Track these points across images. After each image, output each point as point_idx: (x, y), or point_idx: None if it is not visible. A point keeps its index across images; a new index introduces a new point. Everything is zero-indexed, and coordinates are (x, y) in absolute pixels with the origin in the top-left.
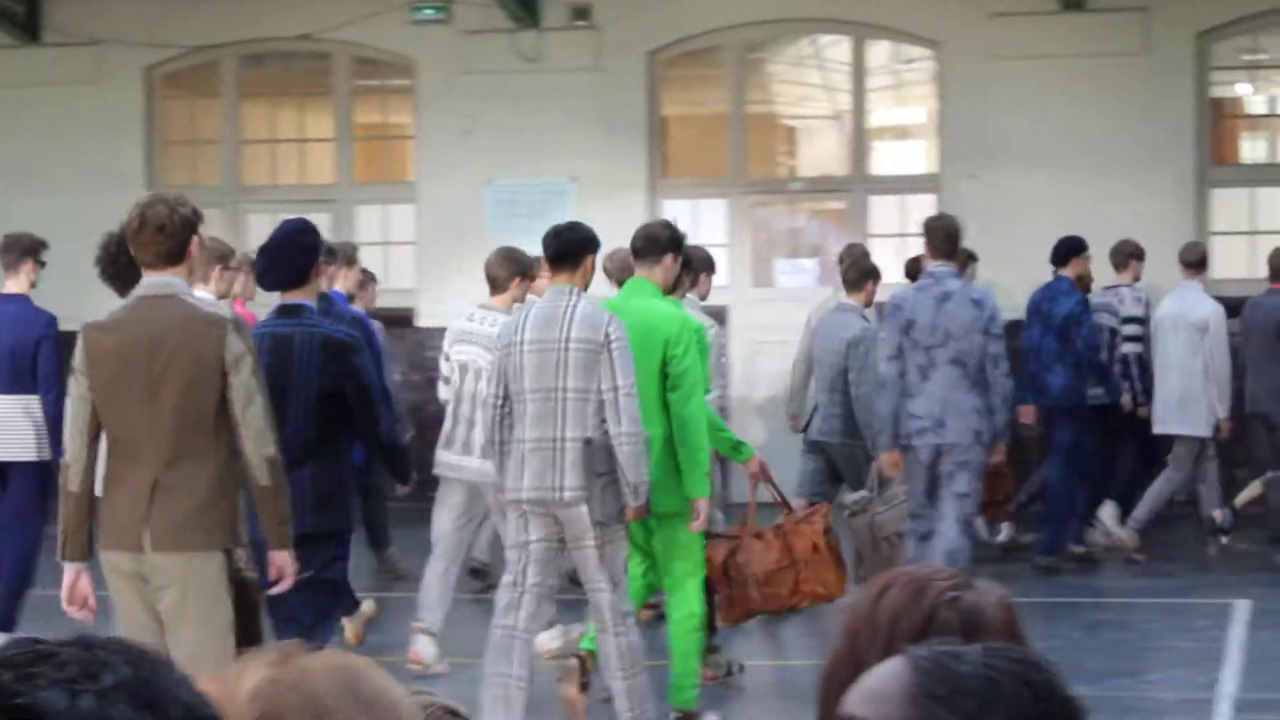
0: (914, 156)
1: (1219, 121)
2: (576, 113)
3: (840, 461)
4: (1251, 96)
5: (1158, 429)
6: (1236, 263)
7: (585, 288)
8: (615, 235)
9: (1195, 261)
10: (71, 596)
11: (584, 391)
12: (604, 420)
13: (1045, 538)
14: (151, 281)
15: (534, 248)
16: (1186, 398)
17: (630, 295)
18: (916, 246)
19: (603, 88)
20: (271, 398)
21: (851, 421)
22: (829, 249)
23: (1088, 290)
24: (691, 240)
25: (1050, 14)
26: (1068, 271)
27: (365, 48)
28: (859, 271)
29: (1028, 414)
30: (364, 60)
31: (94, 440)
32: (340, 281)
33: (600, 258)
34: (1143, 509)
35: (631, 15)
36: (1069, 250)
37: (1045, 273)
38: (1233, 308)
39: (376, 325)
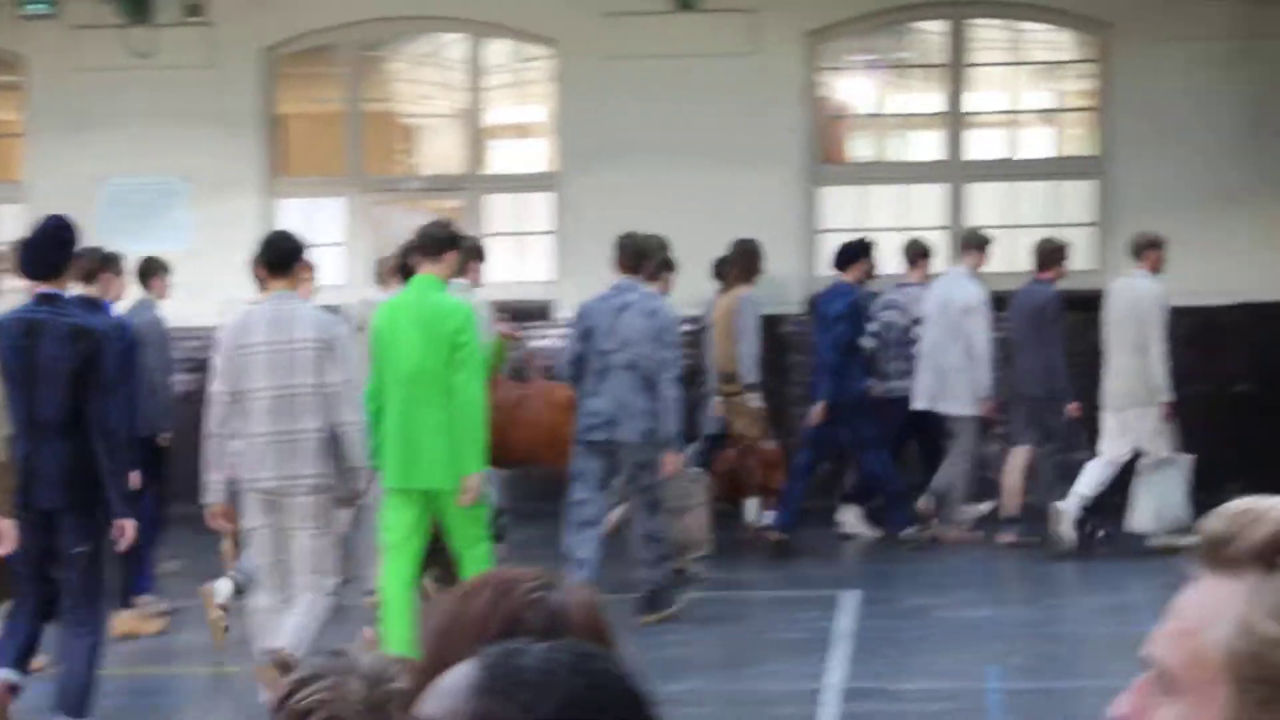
0: (532, 155)
1: (827, 121)
2: (190, 111)
3: None
4: (859, 96)
5: (922, 405)
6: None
7: (295, 288)
8: (231, 233)
9: (967, 246)
10: None
11: (317, 386)
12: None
13: (897, 517)
14: None
15: (147, 248)
16: (947, 378)
17: (418, 289)
18: (533, 244)
19: (217, 85)
20: (24, 378)
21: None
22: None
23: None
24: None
25: (662, 14)
26: (848, 275)
27: None
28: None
29: (817, 413)
30: None
31: None
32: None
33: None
34: (937, 492)
35: (246, 12)
36: (849, 255)
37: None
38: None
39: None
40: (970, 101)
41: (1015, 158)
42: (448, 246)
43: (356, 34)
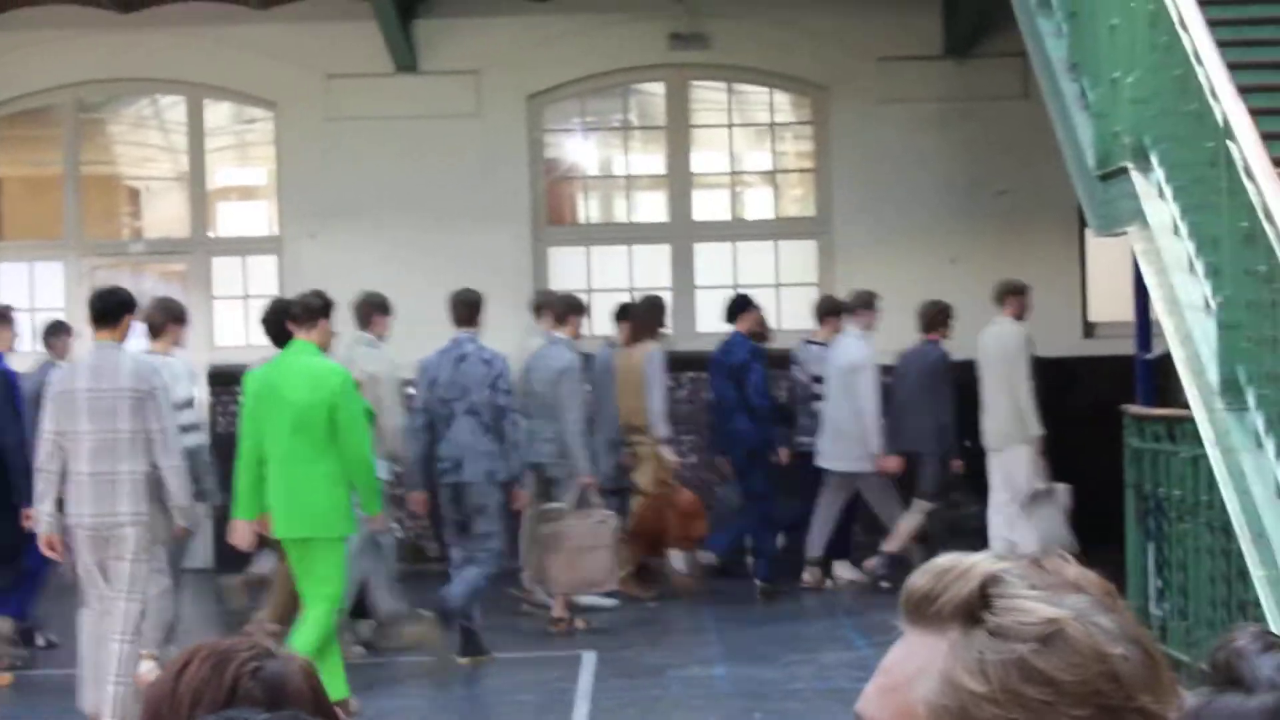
0: (256, 217)
1: (554, 182)
2: None
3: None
4: (584, 157)
5: (819, 462)
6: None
7: (123, 340)
8: None
9: (858, 307)
10: None
11: (137, 431)
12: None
13: (760, 566)
14: None
15: None
16: (839, 435)
17: (295, 354)
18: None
19: None
20: None
21: (563, 442)
22: None
23: (763, 341)
24: (24, 303)
25: (385, 75)
26: (740, 326)
27: None
28: (565, 305)
29: (724, 466)
30: None
31: None
32: None
33: None
34: (815, 544)
35: None
36: (737, 307)
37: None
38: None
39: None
40: (694, 163)
41: (739, 218)
42: (321, 314)
43: (74, 95)
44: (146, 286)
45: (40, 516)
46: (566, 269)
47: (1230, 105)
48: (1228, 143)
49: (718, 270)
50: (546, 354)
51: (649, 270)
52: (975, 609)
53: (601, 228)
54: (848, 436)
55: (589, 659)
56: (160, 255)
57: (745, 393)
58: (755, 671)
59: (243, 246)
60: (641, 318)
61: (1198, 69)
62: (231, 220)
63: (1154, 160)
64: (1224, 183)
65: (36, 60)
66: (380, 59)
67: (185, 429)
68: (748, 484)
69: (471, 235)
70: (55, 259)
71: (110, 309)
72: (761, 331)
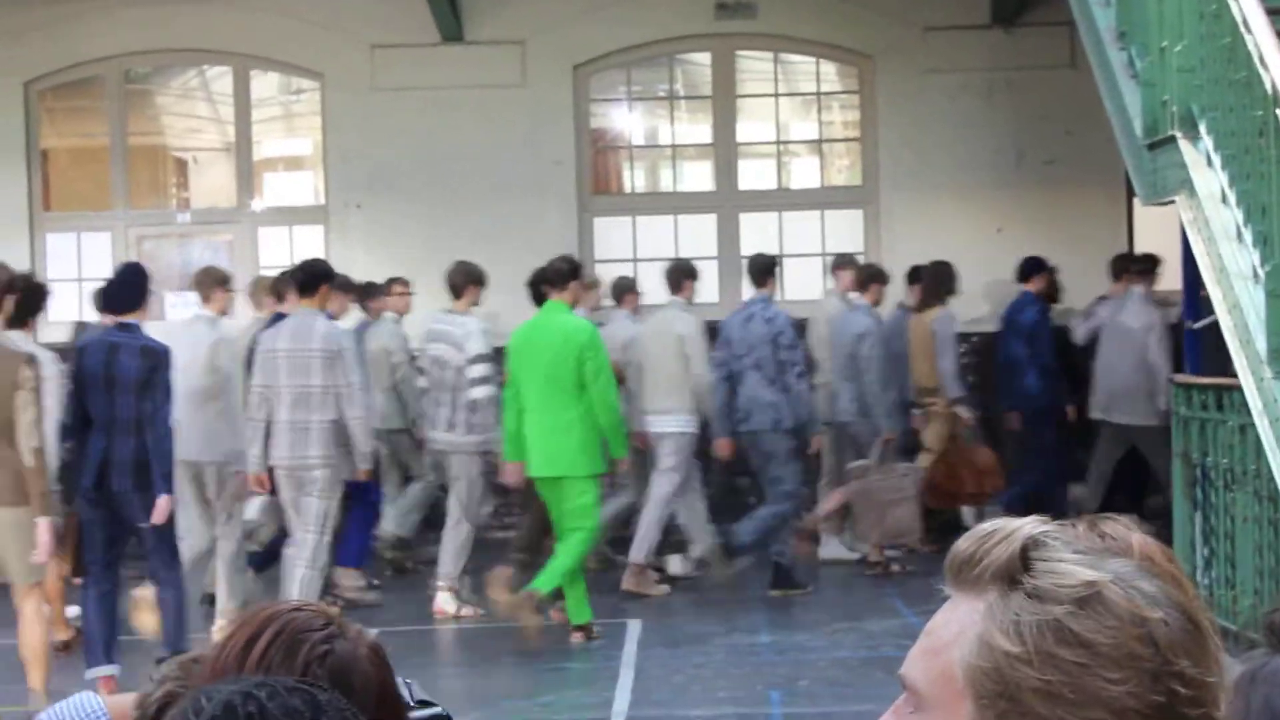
0: (302, 187)
1: (599, 151)
2: None
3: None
4: (629, 127)
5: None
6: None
7: (322, 307)
8: None
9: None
10: None
11: (328, 387)
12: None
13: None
14: None
15: None
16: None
17: (549, 313)
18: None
19: None
20: (105, 387)
21: (864, 402)
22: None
23: (1054, 301)
24: (72, 273)
25: (431, 46)
26: (1031, 286)
27: None
28: (868, 273)
29: (1014, 421)
30: None
31: None
32: None
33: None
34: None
35: (5, 44)
36: (1030, 268)
37: (432, 303)
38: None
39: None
40: (740, 132)
41: (785, 187)
42: (571, 277)
43: (120, 67)
44: (194, 256)
45: (250, 459)
46: (611, 239)
47: (1279, 73)
48: (1276, 111)
49: (763, 240)
50: (847, 318)
51: (694, 240)
52: (1015, 571)
53: (647, 197)
54: (1132, 392)
55: (634, 627)
56: (207, 225)
57: (1035, 350)
58: (800, 639)
59: (289, 217)
60: (931, 282)
61: (1246, 37)
62: (277, 190)
63: (1202, 129)
64: (1273, 151)
65: (83, 31)
66: (426, 29)
67: (478, 381)
68: (1036, 441)
69: (516, 205)
70: (103, 229)
71: (309, 280)
72: (1052, 292)
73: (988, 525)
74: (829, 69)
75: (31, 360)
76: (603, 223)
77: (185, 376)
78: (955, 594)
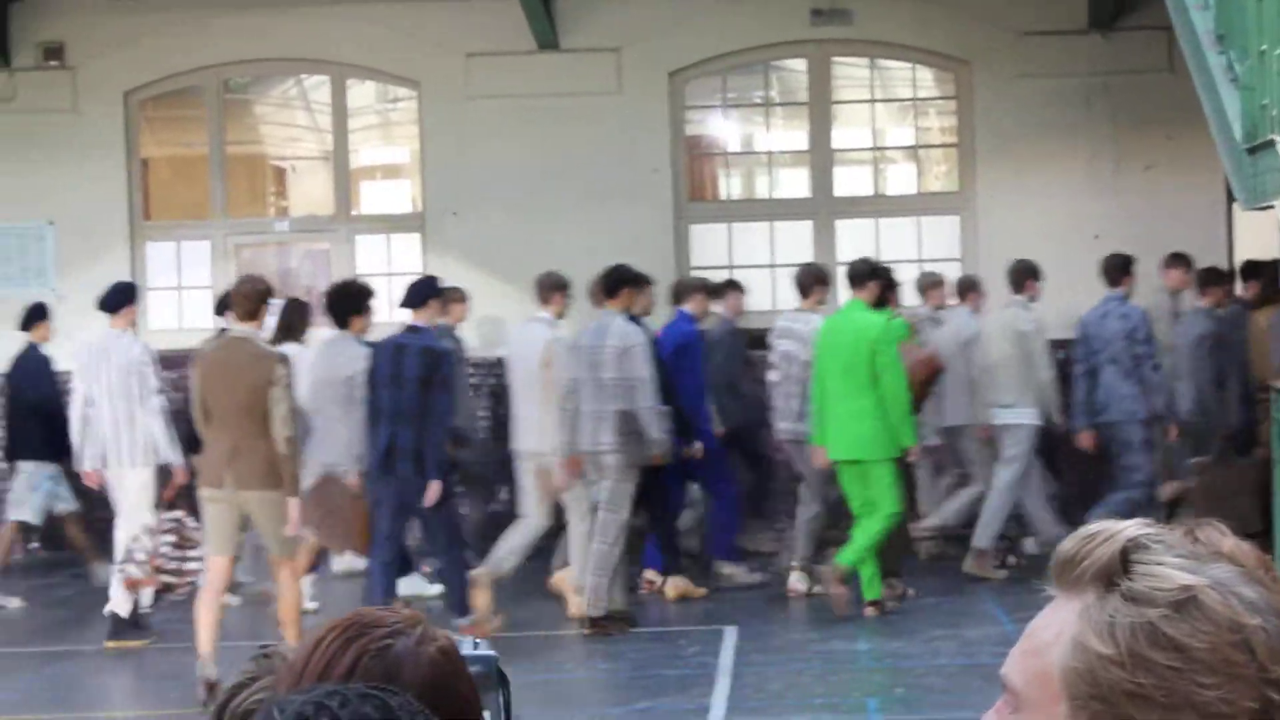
0: (399, 195)
1: (695, 158)
2: (53, 155)
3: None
4: (725, 134)
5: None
6: (761, 294)
7: (623, 308)
8: (96, 276)
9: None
10: None
11: (619, 380)
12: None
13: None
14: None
15: (12, 291)
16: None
17: (849, 309)
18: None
19: (79, 129)
20: (392, 383)
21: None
22: (319, 289)
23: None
24: (171, 282)
25: (526, 54)
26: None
27: None
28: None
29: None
30: None
31: None
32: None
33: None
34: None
35: (106, 55)
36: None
37: (527, 310)
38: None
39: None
40: (836, 138)
41: (881, 193)
42: (870, 277)
43: (219, 76)
44: (292, 264)
45: (561, 445)
46: (707, 246)
47: None
48: None
49: (860, 246)
50: (1192, 319)
51: (790, 247)
52: (1114, 573)
53: (743, 204)
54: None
55: (730, 634)
56: (305, 233)
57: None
58: (898, 646)
59: (386, 225)
60: (1269, 278)
61: None
62: (374, 199)
63: None
64: None
65: (182, 42)
66: (522, 36)
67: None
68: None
69: (612, 212)
70: (202, 238)
71: (613, 284)
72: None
73: (1093, 526)
74: (925, 74)
75: (284, 360)
76: (699, 229)
77: (524, 374)
78: (1057, 595)
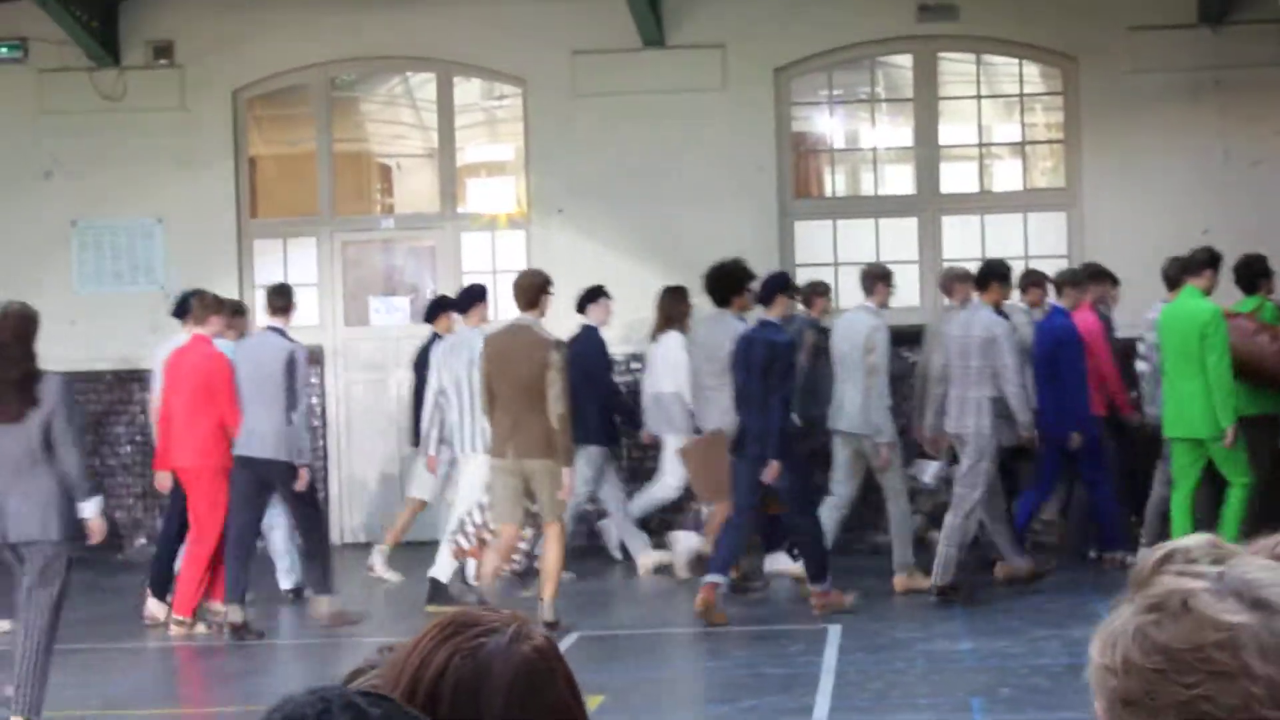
0: (504, 193)
1: (800, 155)
2: (162, 152)
3: None
4: (831, 130)
5: None
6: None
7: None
8: (204, 273)
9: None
10: None
11: (984, 366)
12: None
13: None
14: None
15: (121, 289)
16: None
17: (1185, 297)
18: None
19: (187, 127)
20: (744, 370)
21: None
22: (424, 286)
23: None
24: (278, 278)
25: (632, 51)
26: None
27: None
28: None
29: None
30: None
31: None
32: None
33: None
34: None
35: (215, 54)
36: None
37: (631, 307)
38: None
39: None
40: (942, 135)
41: (987, 190)
42: (1206, 265)
43: (326, 74)
44: (397, 262)
45: (926, 424)
46: (812, 243)
47: None
48: None
49: (966, 243)
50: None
51: (895, 244)
52: (1141, 585)
53: (848, 201)
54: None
55: (834, 633)
56: (410, 231)
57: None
58: (1001, 646)
59: (491, 222)
60: None
61: None
62: (480, 196)
63: None
64: None
65: (289, 40)
66: (627, 33)
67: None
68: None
69: (717, 209)
70: (308, 235)
71: (986, 279)
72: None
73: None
74: (1032, 70)
75: (559, 345)
76: (803, 226)
77: (848, 359)
78: None
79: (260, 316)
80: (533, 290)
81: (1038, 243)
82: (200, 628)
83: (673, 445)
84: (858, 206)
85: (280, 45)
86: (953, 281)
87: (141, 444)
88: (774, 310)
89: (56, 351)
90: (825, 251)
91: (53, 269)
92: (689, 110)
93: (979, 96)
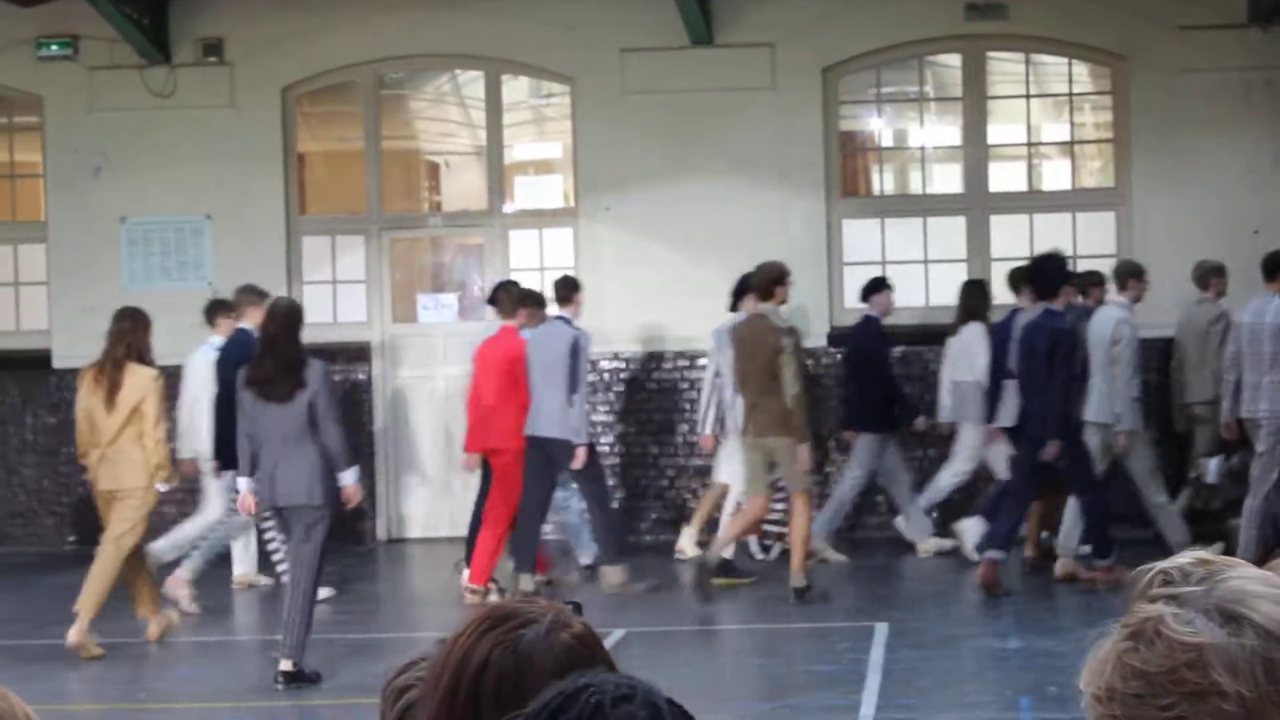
0: (552, 190)
1: (848, 154)
2: (211, 149)
3: None
4: (879, 129)
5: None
6: (913, 291)
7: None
8: (252, 269)
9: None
10: None
11: (1276, 354)
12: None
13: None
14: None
15: (170, 285)
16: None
17: None
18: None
19: (237, 124)
20: (1026, 358)
21: None
22: (471, 283)
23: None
24: (326, 275)
25: (681, 49)
26: (1058, 302)
27: None
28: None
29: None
30: None
31: None
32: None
33: None
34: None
35: (264, 51)
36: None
37: (678, 305)
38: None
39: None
40: (990, 134)
41: (1036, 189)
42: None
43: (374, 72)
44: (445, 259)
45: (1224, 410)
46: (860, 241)
47: None
48: None
49: (1014, 242)
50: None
51: (943, 243)
52: (1142, 592)
53: (896, 199)
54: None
55: (881, 630)
56: (458, 228)
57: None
58: (1049, 644)
59: (538, 219)
60: None
61: None
62: (528, 193)
63: None
64: None
65: (338, 38)
66: (676, 32)
67: None
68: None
69: (765, 207)
70: (356, 232)
71: (1273, 268)
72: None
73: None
74: (1081, 69)
75: (791, 331)
76: (851, 225)
77: (1099, 349)
78: None
79: (312, 313)
80: (769, 281)
81: (1086, 242)
82: (493, 597)
83: (969, 434)
84: (906, 205)
85: (329, 42)
86: (1209, 275)
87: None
88: (1059, 300)
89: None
90: (873, 250)
91: (103, 265)
92: (737, 109)
93: (1028, 96)
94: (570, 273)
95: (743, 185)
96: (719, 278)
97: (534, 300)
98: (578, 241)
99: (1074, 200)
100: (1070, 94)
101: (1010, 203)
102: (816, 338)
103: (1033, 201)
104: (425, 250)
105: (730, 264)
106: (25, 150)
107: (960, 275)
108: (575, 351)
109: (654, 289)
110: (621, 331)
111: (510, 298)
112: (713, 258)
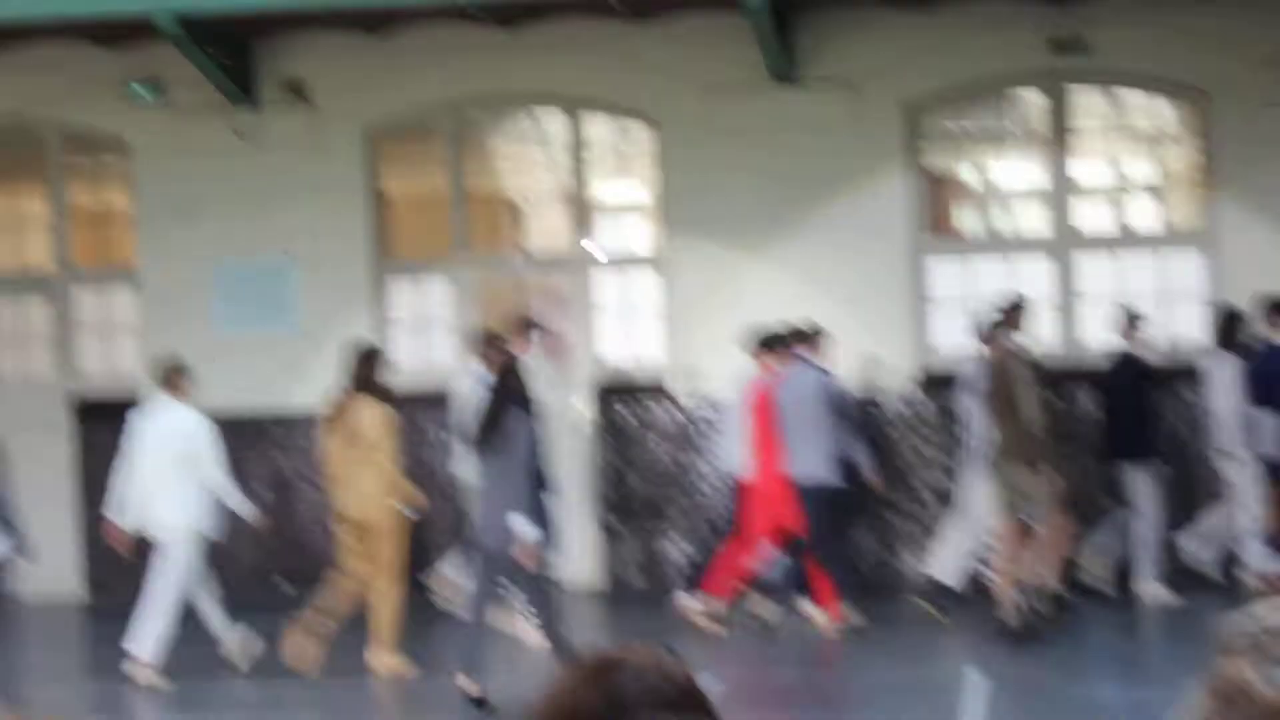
0: (635, 231)
1: (933, 191)
2: (295, 191)
3: None
4: (963, 167)
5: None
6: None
7: None
8: (337, 312)
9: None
10: None
11: None
12: None
13: None
14: None
15: (256, 327)
16: None
17: None
18: (638, 321)
19: (322, 165)
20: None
21: None
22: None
23: None
24: (413, 316)
25: (763, 87)
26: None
27: (76, 126)
28: None
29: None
30: (75, 138)
31: None
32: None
33: None
34: None
35: (346, 91)
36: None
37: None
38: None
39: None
40: (1074, 171)
41: (1122, 227)
42: None
43: (454, 112)
44: (530, 300)
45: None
46: (944, 280)
47: None
48: None
49: (1100, 281)
50: None
51: (1029, 281)
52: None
53: (980, 238)
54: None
55: (972, 675)
56: (542, 269)
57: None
58: (1147, 694)
59: (622, 260)
60: None
61: None
62: (611, 234)
63: None
64: None
65: (420, 77)
66: (757, 70)
67: None
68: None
69: (848, 246)
70: (441, 273)
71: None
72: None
73: None
74: (1164, 105)
75: (1013, 361)
76: (935, 262)
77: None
78: None
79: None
80: (1016, 312)
81: (1175, 282)
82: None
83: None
84: (989, 243)
85: (411, 83)
86: None
87: (281, 488)
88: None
89: (197, 395)
90: (957, 288)
91: (191, 309)
92: (820, 147)
93: (1111, 131)
94: (660, 314)
95: (825, 223)
96: (804, 317)
97: (803, 338)
98: (663, 284)
99: (1161, 239)
100: (1156, 130)
101: (1095, 241)
102: (900, 377)
103: (1119, 240)
104: (509, 291)
105: (814, 303)
106: (113, 193)
107: (1047, 315)
108: (831, 397)
109: (740, 328)
110: (709, 373)
111: (793, 337)
112: (796, 297)
